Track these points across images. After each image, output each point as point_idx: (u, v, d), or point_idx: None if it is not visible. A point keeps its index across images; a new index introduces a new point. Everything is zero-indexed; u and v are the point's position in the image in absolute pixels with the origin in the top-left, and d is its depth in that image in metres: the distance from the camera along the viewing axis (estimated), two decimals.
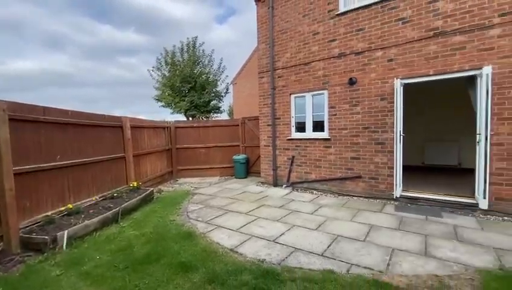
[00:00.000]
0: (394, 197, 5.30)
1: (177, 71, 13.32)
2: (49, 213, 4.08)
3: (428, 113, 8.31)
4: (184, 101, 13.27)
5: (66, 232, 3.56)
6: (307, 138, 6.74)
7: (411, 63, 5.07)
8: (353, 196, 5.92)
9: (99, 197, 5.21)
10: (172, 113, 14.39)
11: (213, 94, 14.27)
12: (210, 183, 8.07)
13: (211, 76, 14.31)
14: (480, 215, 4.41)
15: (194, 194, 6.60)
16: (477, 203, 4.48)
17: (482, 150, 4.37)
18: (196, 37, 13.80)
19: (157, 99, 14.39)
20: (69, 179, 4.64)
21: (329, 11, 6.09)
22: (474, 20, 4.48)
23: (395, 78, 5.18)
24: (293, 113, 7.03)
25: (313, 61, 6.45)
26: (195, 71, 13.62)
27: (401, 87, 5.08)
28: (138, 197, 5.41)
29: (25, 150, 3.83)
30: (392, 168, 5.34)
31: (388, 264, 2.97)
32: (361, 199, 5.73)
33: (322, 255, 3.25)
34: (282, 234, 3.94)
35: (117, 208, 4.61)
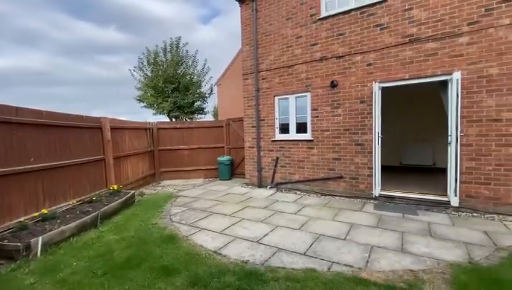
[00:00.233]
0: (373, 196, 5.50)
1: (160, 71, 13.06)
2: (22, 219, 3.88)
3: (406, 116, 8.69)
4: (167, 101, 13.03)
5: (40, 238, 3.40)
6: (291, 139, 6.84)
7: (388, 68, 5.30)
8: (335, 195, 6.08)
9: (77, 201, 5.01)
10: (154, 114, 14.08)
11: (197, 95, 14.11)
12: (194, 185, 7.97)
13: (195, 77, 14.15)
14: (452, 212, 4.68)
15: (178, 197, 6.50)
16: (449, 201, 4.75)
17: (453, 150, 4.65)
18: (180, 37, 13.62)
19: (139, 99, 14.03)
20: (43, 183, 4.43)
21: (311, 16, 6.24)
22: (446, 28, 4.76)
23: (373, 82, 5.39)
24: (277, 115, 7.11)
25: (296, 64, 6.57)
26: (179, 72, 13.42)
27: (379, 91, 5.30)
28: (119, 201, 5.25)
29: None
30: (372, 168, 5.54)
31: (367, 261, 3.08)
32: (343, 198, 5.90)
33: (304, 254, 3.31)
34: (266, 234, 3.98)
35: (96, 212, 4.45)
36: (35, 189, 4.28)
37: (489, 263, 2.98)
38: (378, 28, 5.39)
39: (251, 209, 5.28)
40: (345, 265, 3.00)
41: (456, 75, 4.56)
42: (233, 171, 8.91)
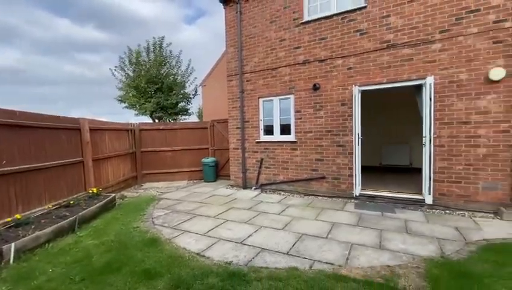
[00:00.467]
0: (354, 196, 5.68)
1: (143, 71, 12.78)
2: None
3: (386, 118, 9.03)
4: (150, 102, 12.76)
5: (13, 245, 3.23)
6: (275, 140, 6.92)
7: (367, 72, 5.51)
8: (318, 195, 6.21)
9: (53, 206, 4.80)
10: (137, 115, 13.74)
11: (181, 96, 13.92)
12: (177, 187, 7.86)
13: (179, 77, 13.96)
14: (427, 209, 4.93)
15: (160, 199, 6.38)
16: (424, 199, 5.00)
17: (427, 151, 4.90)
18: (163, 37, 13.40)
19: (120, 100, 13.65)
20: (16, 187, 4.22)
21: (294, 19, 6.36)
22: (420, 35, 5.02)
23: (353, 85, 5.58)
24: (261, 117, 7.17)
25: (279, 67, 6.67)
26: (162, 72, 13.19)
27: (359, 94, 5.50)
28: (98, 204, 5.08)
29: None
30: (352, 168, 5.73)
31: (347, 259, 3.18)
32: (325, 198, 6.04)
33: (287, 253, 3.37)
34: (250, 235, 4.01)
35: (74, 217, 4.29)
36: (7, 193, 4.06)
37: (459, 257, 3.18)
38: (358, 34, 5.60)
39: (235, 211, 5.29)
40: (326, 263, 3.09)
41: (429, 80, 4.82)
42: (218, 172, 8.87)
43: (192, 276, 2.81)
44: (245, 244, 3.69)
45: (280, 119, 6.91)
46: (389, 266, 2.98)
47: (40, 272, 2.99)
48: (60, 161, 5.17)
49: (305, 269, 2.95)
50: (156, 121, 13.69)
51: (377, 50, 5.41)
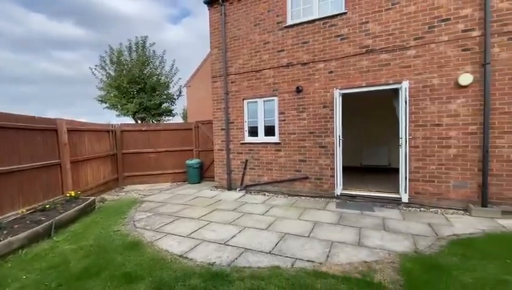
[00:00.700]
0: (336, 195, 5.85)
1: (124, 71, 12.44)
2: None
3: (366, 120, 9.36)
4: (132, 103, 12.44)
5: None
6: (260, 142, 6.99)
7: (348, 75, 5.71)
8: (301, 195, 6.33)
9: (28, 210, 4.59)
10: (118, 115, 13.33)
11: (164, 96, 13.67)
12: (161, 189, 7.73)
13: (163, 77, 13.72)
14: (403, 207, 5.17)
15: (143, 202, 6.26)
16: (401, 198, 5.24)
17: (403, 151, 5.15)
18: (146, 37, 13.11)
19: (101, 100, 13.21)
20: None
21: (278, 23, 6.48)
22: (396, 42, 5.28)
23: (334, 88, 5.77)
24: (246, 118, 7.21)
25: (264, 69, 6.75)
26: (145, 72, 12.91)
27: (340, 97, 5.68)
28: (76, 208, 4.92)
29: None
30: (334, 169, 5.90)
31: (328, 256, 3.29)
32: (308, 198, 6.17)
33: (270, 253, 3.43)
34: (234, 236, 4.03)
35: (50, 221, 4.13)
36: None
37: (431, 251, 3.37)
38: (339, 38, 5.79)
39: (220, 212, 5.29)
40: (308, 261, 3.18)
41: (405, 84, 5.08)
42: (202, 174, 8.81)
43: (174, 278, 2.80)
44: (228, 245, 3.71)
45: (264, 120, 6.99)
46: (366, 262, 3.11)
47: (13, 279, 2.86)
48: (35, 163, 4.95)
49: (287, 268, 3.02)
50: (139, 122, 13.37)
51: (356, 55, 5.62)
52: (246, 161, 7.16)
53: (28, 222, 4.13)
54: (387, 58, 5.35)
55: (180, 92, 14.59)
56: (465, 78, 4.76)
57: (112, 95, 12.72)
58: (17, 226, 3.93)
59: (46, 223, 4.07)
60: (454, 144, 4.92)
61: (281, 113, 6.61)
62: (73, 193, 5.56)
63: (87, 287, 2.69)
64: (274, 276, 2.80)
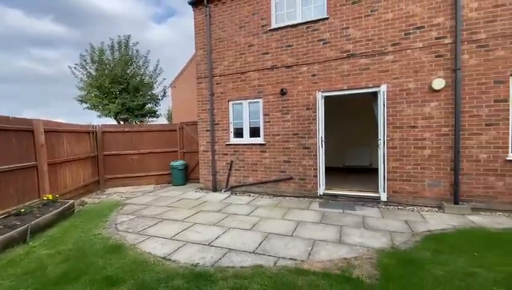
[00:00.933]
0: (319, 195, 6.00)
1: (106, 71, 12.12)
2: None
3: (349, 122, 9.65)
4: (114, 103, 12.13)
5: None
6: (245, 143, 7.04)
7: (330, 79, 5.89)
8: (286, 196, 6.44)
9: (1, 215, 4.38)
10: (99, 116, 12.95)
11: (148, 97, 13.43)
12: (144, 192, 7.59)
13: (147, 78, 13.48)
14: (382, 206, 5.39)
15: (125, 205, 6.13)
16: (380, 197, 5.46)
17: (381, 152, 5.37)
18: (129, 36, 12.85)
19: (81, 100, 12.78)
20: None
21: (262, 26, 6.58)
22: (375, 47, 5.51)
23: (317, 91, 5.93)
24: (231, 119, 7.24)
25: (249, 71, 6.82)
26: (128, 72, 12.64)
27: (322, 99, 5.85)
28: (54, 212, 4.75)
29: None
30: (317, 169, 6.04)
31: (309, 254, 3.38)
32: (293, 198, 6.28)
33: (253, 252, 3.48)
34: (218, 237, 4.05)
35: (25, 226, 3.97)
36: None
37: (407, 246, 3.55)
38: (321, 43, 5.96)
39: (204, 214, 5.28)
40: (290, 259, 3.25)
41: (383, 88, 5.31)
42: (187, 176, 8.73)
43: (156, 280, 2.78)
44: (212, 245, 3.73)
45: (250, 122, 7.05)
46: (346, 258, 3.23)
47: None
48: (8, 166, 4.74)
49: (270, 266, 3.08)
50: (121, 123, 13.05)
51: (338, 59, 5.81)
52: (231, 162, 7.19)
53: (1, 226, 3.95)
54: (367, 62, 5.57)
55: (164, 93, 14.38)
56: (438, 83, 5.05)
57: (93, 95, 12.34)
58: None
59: (21, 227, 3.91)
60: (428, 145, 5.20)
61: (265, 114, 6.69)
62: (50, 197, 5.36)
63: None
64: (257, 275, 2.86)
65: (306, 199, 6.15)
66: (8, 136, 4.81)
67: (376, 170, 5.76)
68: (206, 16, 7.18)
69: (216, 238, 3.97)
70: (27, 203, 5.01)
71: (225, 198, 6.55)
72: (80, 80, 12.60)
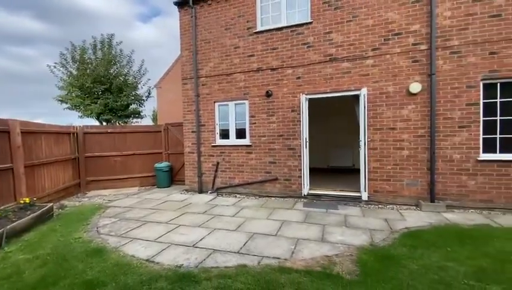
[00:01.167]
0: (303, 195, 6.12)
1: (88, 70, 11.77)
2: None
3: (333, 124, 9.87)
4: (96, 103, 11.79)
5: None
6: (231, 144, 7.06)
7: (314, 81, 6.04)
8: (271, 196, 6.51)
9: None
10: (81, 117, 12.52)
11: (132, 97, 13.14)
12: (127, 194, 7.44)
13: (131, 78, 13.20)
14: (364, 205, 5.57)
15: (107, 208, 5.98)
16: (361, 196, 5.64)
17: (363, 153, 5.56)
18: (112, 35, 12.55)
19: (61, 100, 12.32)
20: None
21: (248, 28, 6.64)
22: (356, 51, 5.71)
23: (301, 94, 6.06)
24: (217, 121, 7.24)
25: (234, 73, 6.86)
26: (111, 71, 12.33)
27: (306, 102, 5.99)
28: (32, 216, 4.58)
29: None
30: (301, 170, 6.16)
31: (293, 252, 3.46)
32: (278, 198, 6.37)
33: (238, 252, 3.51)
34: (203, 238, 4.05)
35: (0, 230, 3.80)
36: None
37: (385, 243, 3.70)
38: (306, 46, 6.11)
39: (189, 215, 5.25)
40: (274, 258, 3.32)
41: (364, 91, 5.51)
42: (172, 178, 8.63)
43: (139, 282, 2.76)
44: (197, 247, 3.73)
45: (236, 123, 7.08)
46: (327, 256, 3.33)
47: None
48: None
49: (254, 265, 3.13)
50: (104, 123, 12.70)
51: (321, 62, 5.97)
52: (218, 163, 7.19)
53: None
54: (349, 66, 5.76)
55: (149, 93, 14.13)
56: (415, 87, 5.30)
57: (74, 95, 11.95)
58: None
59: None
60: (406, 146, 5.44)
61: (251, 116, 6.75)
62: (27, 200, 5.15)
63: None
64: (241, 274, 2.89)
65: (291, 199, 6.25)
66: None
67: (359, 170, 5.94)
68: (191, 17, 7.16)
69: (201, 240, 3.97)
70: (2, 207, 4.79)
71: (211, 199, 6.54)
72: (60, 79, 12.17)
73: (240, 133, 7.05)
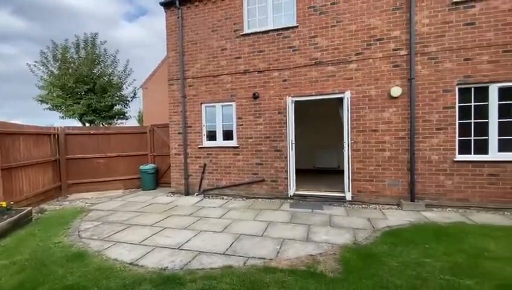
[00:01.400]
0: (289, 196, 6.20)
1: (70, 69, 11.41)
2: None
3: (319, 126, 10.05)
4: (79, 104, 11.44)
5: None
6: (218, 146, 7.05)
7: (299, 84, 6.15)
8: (258, 197, 6.55)
9: None
10: (62, 117, 12.10)
11: (117, 98, 12.84)
12: (111, 197, 7.26)
13: (115, 78, 12.89)
14: (348, 205, 5.71)
15: (90, 211, 5.82)
16: (345, 196, 5.78)
17: (346, 154, 5.71)
18: (96, 33, 12.25)
19: (41, 100, 11.87)
20: None
21: (235, 31, 6.68)
22: (340, 56, 5.87)
23: (287, 96, 6.15)
24: (204, 122, 7.22)
25: (221, 75, 6.87)
26: (95, 71, 12.01)
27: (292, 104, 6.08)
28: (8, 220, 4.39)
29: None
30: (287, 171, 6.24)
31: (278, 252, 3.51)
32: (265, 200, 6.42)
33: (224, 253, 3.52)
34: (189, 240, 4.03)
35: None
36: None
37: (367, 242, 3.81)
38: (291, 50, 6.21)
39: (175, 218, 5.20)
40: (259, 258, 3.35)
41: (347, 94, 5.67)
42: (158, 180, 8.50)
43: (122, 286, 2.72)
44: (182, 249, 3.70)
45: (223, 125, 7.08)
46: (312, 255, 3.40)
47: None
48: None
49: (239, 266, 3.15)
50: (87, 125, 12.34)
51: (307, 66, 6.09)
52: (205, 165, 7.15)
53: None
54: (333, 70, 5.91)
55: (134, 94, 13.86)
56: (396, 91, 5.51)
57: (55, 95, 11.54)
58: None
59: None
60: (388, 148, 5.63)
61: (238, 118, 6.78)
62: (4, 204, 4.93)
63: None
64: (226, 275, 2.91)
65: (278, 200, 6.31)
66: None
67: (343, 171, 6.08)
68: (178, 17, 7.12)
69: (186, 242, 3.95)
70: None
71: (198, 201, 6.50)
72: (41, 78, 11.74)
73: (227, 135, 7.05)
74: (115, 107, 13.02)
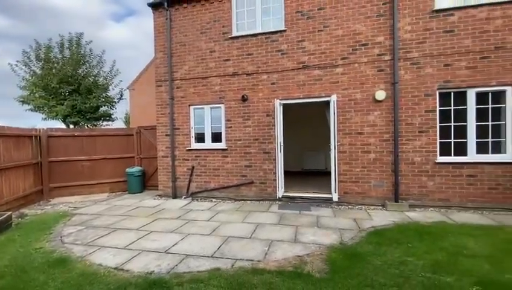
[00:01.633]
0: (278, 198, 6.24)
1: (54, 70, 11.10)
2: None
3: (307, 128, 10.19)
4: (63, 105, 11.12)
5: None
6: (207, 148, 7.02)
7: (287, 87, 6.24)
8: (247, 200, 6.56)
9: None
10: (45, 119, 11.74)
11: (103, 99, 12.57)
12: (96, 201, 7.07)
13: (101, 79, 12.63)
14: (335, 206, 5.81)
15: (73, 215, 5.66)
16: (332, 197, 5.89)
17: (333, 156, 5.83)
18: (81, 33, 11.99)
19: (22, 101, 11.46)
20: None
21: (224, 33, 6.71)
22: (327, 60, 6.00)
23: (276, 99, 6.22)
24: (192, 124, 7.17)
25: (210, 77, 6.86)
26: (80, 71, 11.72)
27: (281, 107, 6.16)
28: None
29: None
30: (276, 173, 6.29)
31: (266, 254, 3.53)
32: (254, 202, 6.43)
33: (211, 256, 3.50)
34: (176, 243, 3.98)
35: None
36: None
37: (353, 242, 3.90)
38: (280, 53, 6.30)
39: (162, 221, 5.13)
40: (247, 260, 3.36)
41: (334, 98, 5.79)
42: (145, 183, 8.36)
43: None
44: (169, 253, 3.66)
45: (211, 127, 7.06)
46: (299, 256, 3.44)
47: None
48: None
49: (227, 268, 3.14)
50: (71, 126, 12.00)
51: (294, 69, 6.19)
52: (193, 167, 7.10)
53: None
54: (320, 74, 6.03)
55: (121, 95, 13.63)
56: (380, 94, 5.68)
57: (37, 95, 11.18)
58: None
59: None
60: (373, 150, 5.79)
61: (227, 120, 6.78)
62: None
63: None
64: (213, 277, 2.90)
65: (266, 201, 6.34)
66: None
67: (330, 173, 6.19)
68: (166, 19, 7.07)
69: (174, 245, 3.91)
70: None
71: (185, 204, 6.43)
72: (22, 78, 11.34)
73: (216, 137, 7.04)
74: (101, 108, 12.75)
